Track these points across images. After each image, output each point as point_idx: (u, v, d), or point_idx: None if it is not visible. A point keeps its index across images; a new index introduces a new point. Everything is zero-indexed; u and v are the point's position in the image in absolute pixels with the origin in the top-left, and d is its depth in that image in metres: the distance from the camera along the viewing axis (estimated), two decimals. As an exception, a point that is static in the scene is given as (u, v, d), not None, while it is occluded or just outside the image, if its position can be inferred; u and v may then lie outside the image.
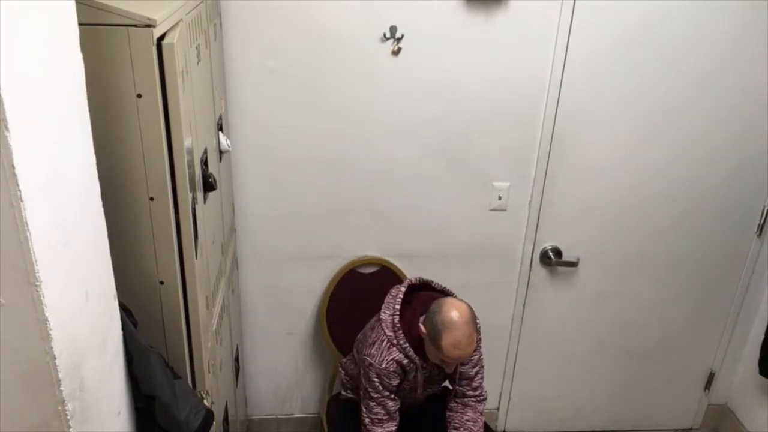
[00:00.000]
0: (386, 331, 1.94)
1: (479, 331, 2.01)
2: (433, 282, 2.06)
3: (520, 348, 2.69)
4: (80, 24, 0.99)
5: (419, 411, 2.17)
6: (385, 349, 1.93)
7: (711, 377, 2.82)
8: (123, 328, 1.21)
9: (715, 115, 2.29)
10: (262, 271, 2.43)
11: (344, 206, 2.34)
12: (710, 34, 2.15)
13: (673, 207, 2.44)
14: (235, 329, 2.33)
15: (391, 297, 2.01)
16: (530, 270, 2.52)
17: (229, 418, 2.07)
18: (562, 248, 2.49)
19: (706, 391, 2.85)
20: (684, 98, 2.25)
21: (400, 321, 1.93)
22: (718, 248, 2.54)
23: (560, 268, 2.53)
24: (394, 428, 2.00)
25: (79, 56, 1.00)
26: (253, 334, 2.55)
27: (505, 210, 2.40)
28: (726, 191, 2.43)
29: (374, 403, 1.98)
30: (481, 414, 2.10)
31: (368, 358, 1.95)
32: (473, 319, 1.82)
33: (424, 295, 1.99)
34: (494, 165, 2.32)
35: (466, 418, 2.07)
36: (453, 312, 1.79)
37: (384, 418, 1.98)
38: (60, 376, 0.91)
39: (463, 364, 2.04)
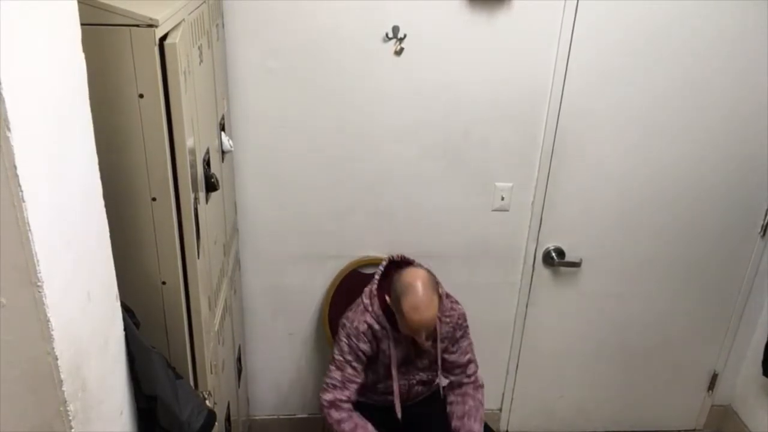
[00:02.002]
0: (364, 298, 2.04)
1: (458, 306, 2.10)
2: (414, 261, 2.11)
3: (522, 348, 2.68)
4: (82, 24, 0.99)
5: (417, 421, 2.16)
6: (359, 312, 2.02)
7: (714, 378, 2.81)
8: (125, 329, 1.21)
9: (719, 114, 2.28)
10: (265, 271, 2.43)
11: (346, 206, 2.33)
12: (713, 34, 2.15)
13: (677, 207, 2.44)
14: (238, 329, 2.33)
15: (375, 270, 2.12)
16: (533, 270, 2.52)
17: (231, 418, 2.07)
18: (564, 248, 2.48)
19: (709, 392, 2.85)
20: (687, 98, 2.25)
21: (377, 290, 2.03)
22: (721, 248, 2.53)
23: (563, 269, 2.52)
24: (342, 397, 1.99)
25: (81, 56, 0.99)
26: (255, 334, 2.55)
27: (507, 210, 2.39)
28: (729, 191, 2.42)
29: (334, 367, 2.02)
30: (481, 402, 2.12)
31: (343, 320, 2.05)
32: (433, 285, 1.89)
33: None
34: (497, 165, 2.31)
35: (467, 407, 2.09)
36: (411, 278, 1.88)
37: (338, 384, 2.00)
38: (62, 376, 0.91)
39: (452, 352, 2.09)
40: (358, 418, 2.00)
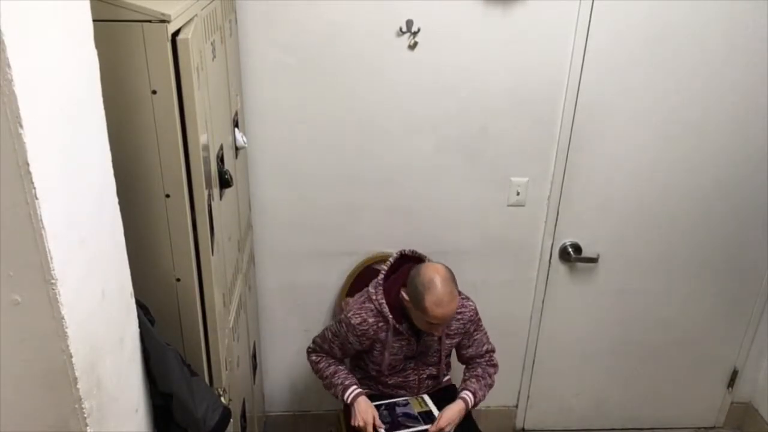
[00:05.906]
0: (370, 288, 2.06)
1: (469, 303, 2.11)
2: (426, 257, 2.11)
3: (539, 345, 2.66)
4: (94, 20, 0.99)
5: None
6: (360, 303, 2.04)
7: (734, 375, 2.77)
8: (140, 326, 1.21)
9: (737, 107, 2.24)
10: (279, 267, 2.42)
11: (361, 202, 2.32)
12: (730, 24, 2.11)
13: (695, 201, 2.40)
14: (252, 326, 2.33)
15: (384, 263, 2.13)
16: (549, 266, 2.49)
17: (247, 414, 2.07)
18: (581, 244, 2.45)
19: (730, 388, 2.81)
20: (705, 91, 2.21)
21: (384, 281, 2.04)
22: (740, 243, 2.49)
23: (580, 264, 2.49)
24: (328, 362, 2.11)
25: (94, 52, 0.99)
26: (270, 330, 2.55)
27: (523, 206, 2.37)
28: (748, 185, 2.38)
29: (321, 335, 2.13)
30: (489, 374, 2.15)
31: (344, 303, 2.15)
32: (452, 278, 1.90)
33: (411, 265, 2.02)
34: (512, 160, 2.29)
35: (472, 371, 2.15)
36: (432, 273, 1.87)
37: (317, 347, 2.14)
38: (77, 374, 0.91)
39: (468, 346, 2.13)
40: (331, 359, 2.12)
